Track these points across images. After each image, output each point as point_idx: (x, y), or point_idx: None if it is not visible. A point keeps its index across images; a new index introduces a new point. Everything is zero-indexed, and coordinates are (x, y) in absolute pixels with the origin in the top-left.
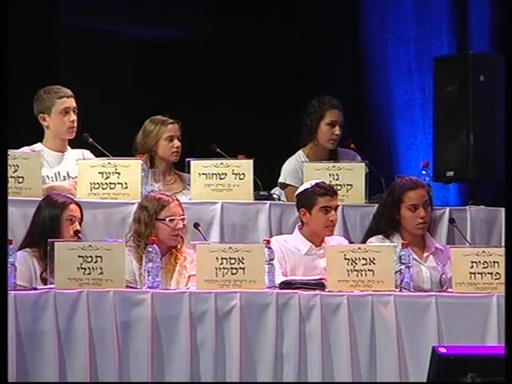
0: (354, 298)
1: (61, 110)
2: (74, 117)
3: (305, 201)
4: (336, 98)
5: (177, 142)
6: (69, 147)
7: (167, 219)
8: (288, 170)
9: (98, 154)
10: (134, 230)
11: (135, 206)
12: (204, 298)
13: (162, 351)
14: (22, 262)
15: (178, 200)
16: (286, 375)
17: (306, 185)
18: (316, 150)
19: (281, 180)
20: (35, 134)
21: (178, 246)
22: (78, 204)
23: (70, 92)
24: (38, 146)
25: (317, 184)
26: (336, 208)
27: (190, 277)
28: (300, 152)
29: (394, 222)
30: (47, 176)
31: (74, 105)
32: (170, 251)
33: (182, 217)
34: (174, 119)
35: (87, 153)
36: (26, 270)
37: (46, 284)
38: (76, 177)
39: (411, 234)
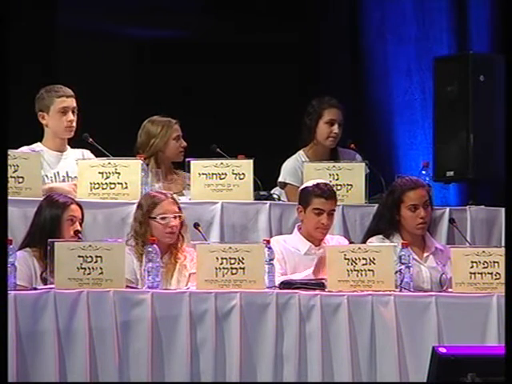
0: (354, 298)
1: (59, 109)
2: (72, 117)
3: (303, 199)
4: (335, 98)
5: (183, 142)
6: (68, 147)
7: (158, 217)
8: (288, 170)
9: (98, 153)
10: (133, 228)
11: (135, 205)
12: (204, 298)
13: (162, 351)
14: (22, 262)
15: (173, 198)
16: (286, 375)
17: (309, 183)
18: (316, 149)
19: (280, 179)
20: (35, 134)
21: (179, 245)
22: (78, 204)
23: (70, 92)
24: (37, 146)
25: (317, 184)
26: (330, 211)
27: (190, 275)
28: (300, 152)
29: (394, 222)
30: (46, 176)
31: (74, 105)
32: (169, 250)
33: (175, 214)
34: (174, 119)
35: (87, 152)
36: (26, 270)
37: (46, 284)
38: (75, 177)
39: (411, 234)
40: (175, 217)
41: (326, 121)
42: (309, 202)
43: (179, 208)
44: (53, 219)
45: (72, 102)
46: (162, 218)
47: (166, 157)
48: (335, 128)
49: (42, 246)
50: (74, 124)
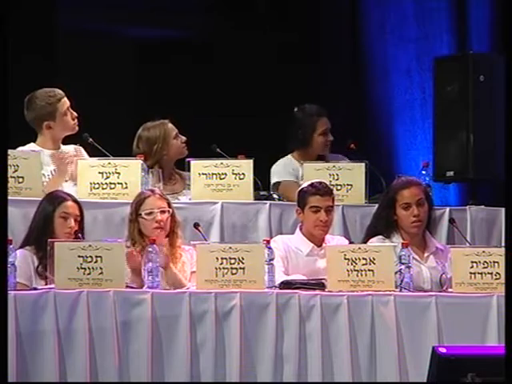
0: (354, 298)
1: (65, 111)
2: (75, 113)
3: (300, 200)
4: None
5: (182, 137)
6: (61, 144)
7: (143, 213)
8: (278, 170)
9: (98, 153)
10: (127, 229)
11: None
12: (204, 298)
13: (161, 351)
14: (23, 260)
15: (161, 194)
16: (286, 375)
17: (305, 184)
18: (306, 154)
19: (274, 181)
20: (30, 134)
21: (175, 243)
22: (76, 201)
23: (61, 91)
24: (34, 147)
25: (312, 183)
26: (328, 208)
27: (192, 273)
28: (289, 156)
29: (391, 222)
30: (43, 174)
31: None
32: (167, 249)
33: (162, 209)
34: (166, 118)
35: (79, 148)
36: (26, 268)
37: (43, 279)
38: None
39: (410, 234)
40: (162, 212)
41: (320, 132)
42: (305, 202)
43: (169, 204)
44: (46, 216)
45: (67, 100)
46: (148, 214)
47: (171, 157)
48: (330, 136)
49: (39, 243)
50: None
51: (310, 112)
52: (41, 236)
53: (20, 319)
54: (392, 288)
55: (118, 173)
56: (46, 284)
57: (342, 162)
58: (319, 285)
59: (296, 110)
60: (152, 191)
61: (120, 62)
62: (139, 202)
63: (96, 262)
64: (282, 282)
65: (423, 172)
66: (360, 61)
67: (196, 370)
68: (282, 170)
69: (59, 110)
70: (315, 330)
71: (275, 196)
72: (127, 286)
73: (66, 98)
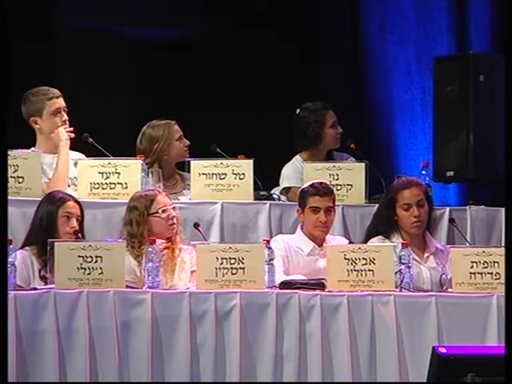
0: (354, 298)
1: (52, 111)
2: (66, 116)
3: (300, 200)
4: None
5: (186, 141)
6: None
7: (160, 211)
8: (288, 174)
9: (98, 153)
10: (126, 232)
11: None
12: (204, 298)
13: (161, 351)
14: (21, 261)
15: (163, 192)
16: (286, 375)
17: (306, 184)
18: (313, 154)
19: (285, 185)
20: (30, 137)
21: (176, 239)
22: (77, 201)
23: (58, 92)
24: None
25: (312, 184)
26: (327, 209)
27: (192, 273)
28: (297, 157)
29: (391, 222)
30: (49, 179)
31: (64, 104)
32: (167, 246)
33: (171, 206)
34: (172, 119)
35: (81, 156)
36: (23, 270)
37: (44, 282)
38: (75, 177)
39: (410, 234)
40: (173, 208)
41: (331, 125)
42: (305, 202)
43: (171, 200)
44: (48, 215)
45: (62, 102)
46: (163, 211)
47: (172, 159)
48: (339, 128)
49: (40, 244)
50: (67, 123)
51: (316, 107)
52: (44, 236)
53: (20, 319)
54: (392, 288)
55: (118, 173)
56: (46, 284)
57: (347, 161)
58: (319, 285)
59: (298, 110)
60: (154, 190)
61: (119, 62)
62: (148, 202)
63: (96, 262)
64: (281, 282)
65: (423, 172)
66: (360, 61)
67: (196, 370)
68: (292, 175)
69: (46, 108)
70: (315, 329)
71: (275, 196)
72: (127, 286)
73: (59, 100)
